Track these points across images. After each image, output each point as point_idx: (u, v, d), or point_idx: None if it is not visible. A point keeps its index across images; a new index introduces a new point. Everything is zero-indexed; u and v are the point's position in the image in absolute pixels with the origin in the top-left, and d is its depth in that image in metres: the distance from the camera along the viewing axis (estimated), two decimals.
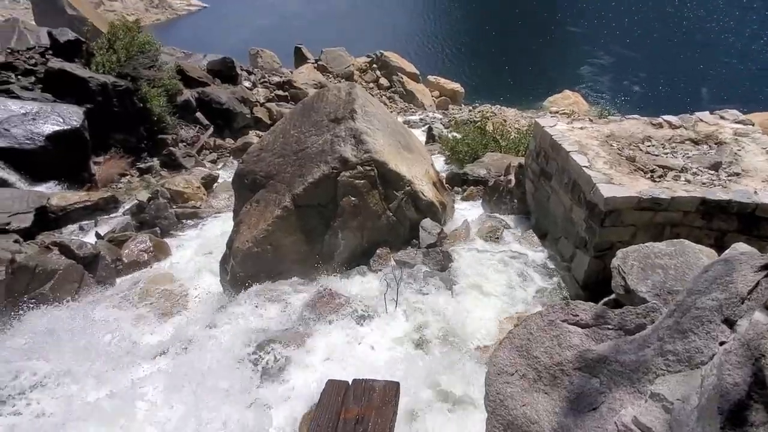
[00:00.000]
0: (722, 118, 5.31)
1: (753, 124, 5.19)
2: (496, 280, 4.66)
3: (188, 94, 11.95)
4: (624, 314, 2.03)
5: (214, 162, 11.13)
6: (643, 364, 1.81)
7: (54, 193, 8.03)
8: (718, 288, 1.72)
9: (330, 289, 4.65)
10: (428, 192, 5.51)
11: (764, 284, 1.59)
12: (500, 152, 8.52)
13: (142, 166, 9.97)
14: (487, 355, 3.83)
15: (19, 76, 9.80)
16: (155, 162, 10.16)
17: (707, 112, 5.42)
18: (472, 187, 7.12)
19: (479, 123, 11.23)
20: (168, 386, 3.68)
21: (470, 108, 17.93)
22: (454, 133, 11.14)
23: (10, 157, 8.06)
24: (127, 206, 8.20)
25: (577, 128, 5.10)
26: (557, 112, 13.79)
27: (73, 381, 3.78)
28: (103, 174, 9.23)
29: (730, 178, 4.19)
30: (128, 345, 4.34)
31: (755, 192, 3.89)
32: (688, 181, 4.13)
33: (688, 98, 20.59)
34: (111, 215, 8.02)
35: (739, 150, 4.62)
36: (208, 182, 9.20)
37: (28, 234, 6.83)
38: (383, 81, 18.95)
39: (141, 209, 7.55)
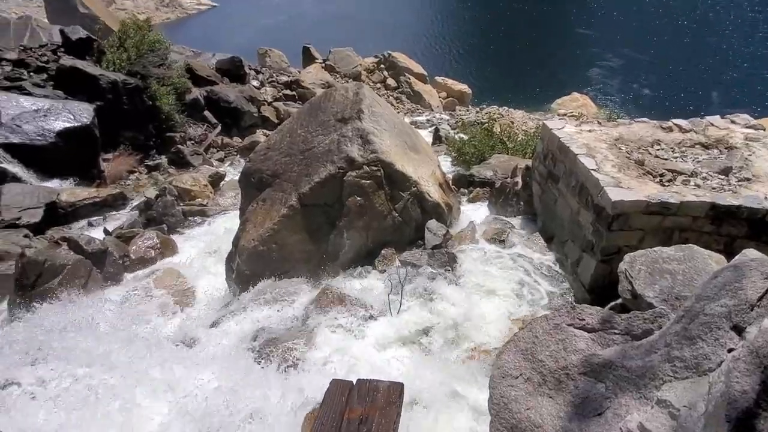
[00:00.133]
0: (733, 122, 5.25)
1: (765, 129, 5.13)
2: (502, 282, 4.64)
3: (197, 93, 12.05)
4: (631, 319, 2.02)
5: (221, 160, 11.21)
6: (649, 369, 1.79)
7: (64, 189, 8.14)
8: (728, 294, 1.70)
9: (334, 289, 4.66)
10: (434, 193, 5.50)
11: None
12: (507, 154, 8.49)
13: (150, 163, 10.06)
14: (491, 357, 3.82)
15: (32, 73, 9.94)
16: (163, 159, 10.25)
17: (718, 116, 5.36)
18: (478, 188, 7.10)
19: (486, 124, 11.20)
20: (170, 382, 3.70)
21: (477, 109, 17.89)
22: (461, 135, 11.12)
23: (22, 153, 8.18)
24: (135, 203, 8.29)
25: (586, 131, 5.06)
26: (565, 115, 13.71)
27: (80, 369, 3.82)
28: (112, 171, 9.33)
29: (740, 183, 4.14)
30: (132, 339, 4.36)
31: (766, 197, 3.84)
32: (698, 186, 4.08)
33: (699, 102, 20.38)
34: (119, 212, 8.12)
35: (750, 155, 4.56)
36: (215, 180, 9.27)
37: (37, 229, 6.93)
38: (390, 81, 18.95)
39: (149, 206, 7.62)
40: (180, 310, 5.40)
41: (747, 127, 5.13)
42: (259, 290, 4.89)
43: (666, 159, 4.54)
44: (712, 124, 5.17)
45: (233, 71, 13.84)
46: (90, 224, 7.66)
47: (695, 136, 4.99)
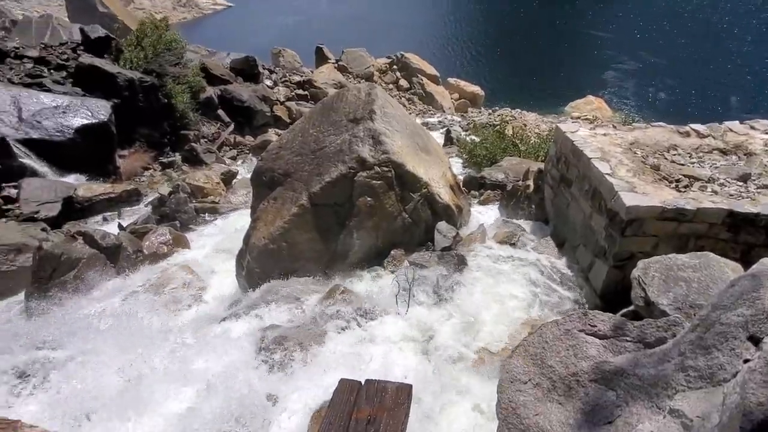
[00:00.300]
0: (752, 128, 5.13)
1: None
2: (511, 285, 4.60)
3: (211, 92, 12.19)
4: (644, 327, 1.98)
5: (233, 158, 11.33)
6: (662, 378, 1.76)
7: (80, 185, 8.30)
8: (745, 304, 1.67)
9: (343, 289, 4.67)
10: (445, 195, 5.48)
11: None
12: (519, 157, 8.42)
13: (164, 160, 10.21)
14: (499, 361, 3.79)
15: (52, 71, 10.17)
16: (177, 157, 10.39)
17: (737, 122, 5.25)
18: (489, 191, 7.06)
19: (498, 127, 11.13)
20: (178, 376, 3.74)
21: (490, 111, 17.80)
22: (473, 137, 11.07)
23: (41, 148, 8.37)
24: (149, 199, 8.42)
25: (600, 134, 5.00)
26: (579, 118, 13.56)
27: (92, 362, 3.90)
28: (127, 167, 9.49)
29: (759, 190, 4.05)
30: (143, 334, 4.42)
31: None
32: (715, 192, 4.00)
33: (717, 106, 19.98)
34: (133, 207, 8.26)
35: None
36: (228, 178, 9.36)
37: (55, 223, 7.09)
38: (403, 82, 18.95)
39: (162, 203, 7.73)
40: (190, 305, 5.46)
41: (767, 133, 5.01)
42: (269, 288, 4.92)
43: (683, 164, 4.46)
44: (731, 130, 5.07)
45: (247, 71, 13.98)
46: (105, 219, 7.80)
47: (713, 141, 4.89)
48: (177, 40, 11.77)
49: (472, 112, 17.97)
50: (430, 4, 40.33)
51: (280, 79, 15.43)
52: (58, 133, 8.58)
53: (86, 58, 10.23)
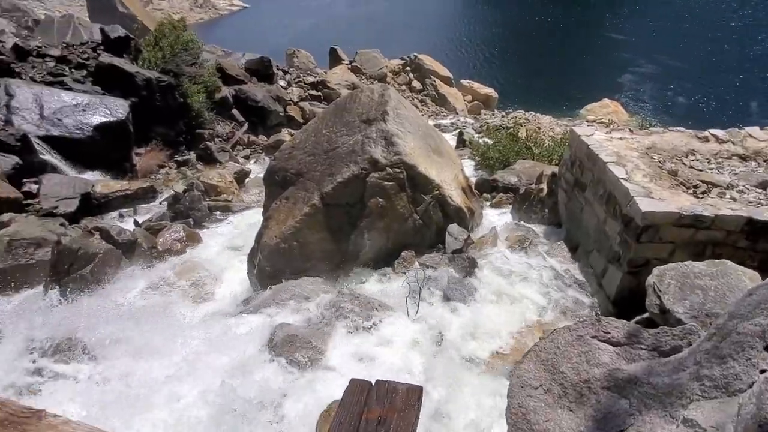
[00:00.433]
0: None
1: None
2: (522, 290, 4.57)
3: (226, 92, 12.35)
4: (659, 335, 1.95)
5: (247, 158, 11.44)
6: (676, 387, 1.73)
7: (98, 181, 8.48)
8: (762, 313, 1.63)
9: (353, 289, 4.69)
10: (456, 197, 5.47)
11: None
12: (532, 160, 8.35)
13: (179, 158, 10.36)
14: (509, 365, 3.76)
15: (73, 69, 10.40)
16: (192, 155, 10.54)
17: (757, 128, 5.13)
18: (501, 194, 7.01)
19: (512, 129, 11.05)
20: (188, 373, 3.79)
21: (503, 114, 17.67)
22: (486, 139, 11.01)
23: (61, 145, 8.57)
24: (163, 197, 8.55)
25: (616, 138, 4.93)
26: (594, 121, 13.40)
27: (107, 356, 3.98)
28: (143, 165, 9.65)
29: None
30: (154, 330, 4.49)
31: None
32: (734, 199, 3.92)
33: (737, 112, 19.53)
34: (149, 204, 8.40)
35: None
36: (241, 177, 9.46)
37: (73, 218, 7.24)
38: (416, 84, 18.94)
39: (176, 200, 7.84)
40: (202, 302, 5.54)
41: None
42: (280, 287, 4.96)
43: (701, 170, 4.38)
44: (751, 136, 4.96)
45: (262, 71, 14.12)
46: (121, 215, 7.95)
47: (732, 147, 4.79)
48: (194, 40, 11.95)
49: (485, 114, 17.87)
50: (444, 6, 40.26)
51: (294, 79, 15.56)
52: (77, 131, 8.78)
53: (106, 58, 10.44)
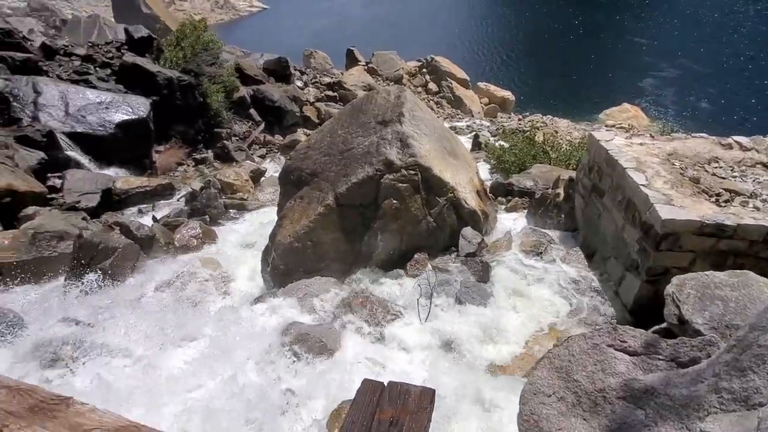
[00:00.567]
0: None
1: None
2: (536, 295, 4.52)
3: (244, 91, 12.52)
4: (678, 345, 1.91)
5: (262, 157, 11.58)
6: (694, 399, 1.69)
7: (119, 177, 8.68)
8: None
9: (365, 290, 4.70)
10: (471, 200, 5.44)
11: None
12: (549, 164, 8.25)
13: (197, 156, 10.54)
14: (520, 370, 3.72)
15: (97, 68, 10.69)
16: (209, 154, 10.71)
17: None
18: (517, 198, 6.94)
19: (528, 133, 10.93)
20: (202, 366, 3.85)
21: (520, 117, 17.50)
22: (501, 142, 10.92)
23: (85, 142, 8.80)
24: (181, 193, 8.71)
25: (636, 144, 4.84)
26: (614, 126, 13.16)
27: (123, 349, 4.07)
28: (162, 162, 9.85)
29: None
30: (166, 325, 4.57)
31: None
32: (757, 208, 3.81)
33: (762, 119, 18.95)
34: (167, 201, 8.56)
35: None
36: (256, 176, 9.58)
37: (94, 213, 7.43)
38: (432, 86, 18.91)
39: (193, 197, 7.98)
40: (216, 298, 5.62)
41: None
42: (292, 285, 5.00)
43: (724, 178, 4.27)
44: None
45: (279, 71, 14.29)
46: (140, 211, 8.13)
47: (757, 155, 4.66)
48: (214, 40, 12.15)
49: (501, 117, 17.72)
50: (462, 8, 40.09)
51: (311, 80, 15.69)
52: (100, 128, 9.01)
53: (129, 57, 10.70)
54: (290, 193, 5.76)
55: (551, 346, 2.36)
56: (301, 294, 4.81)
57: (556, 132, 12.68)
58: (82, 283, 5.10)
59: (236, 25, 37.82)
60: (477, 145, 11.20)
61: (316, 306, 4.64)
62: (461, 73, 19.38)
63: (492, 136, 12.68)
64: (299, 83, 14.93)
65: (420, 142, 5.25)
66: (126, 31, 12.23)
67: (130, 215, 7.84)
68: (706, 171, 4.38)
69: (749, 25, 30.84)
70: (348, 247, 5.22)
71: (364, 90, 15.20)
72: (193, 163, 10.41)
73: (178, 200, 8.50)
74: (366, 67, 18.87)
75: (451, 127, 12.93)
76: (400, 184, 5.02)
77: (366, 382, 1.35)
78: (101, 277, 5.25)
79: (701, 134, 5.19)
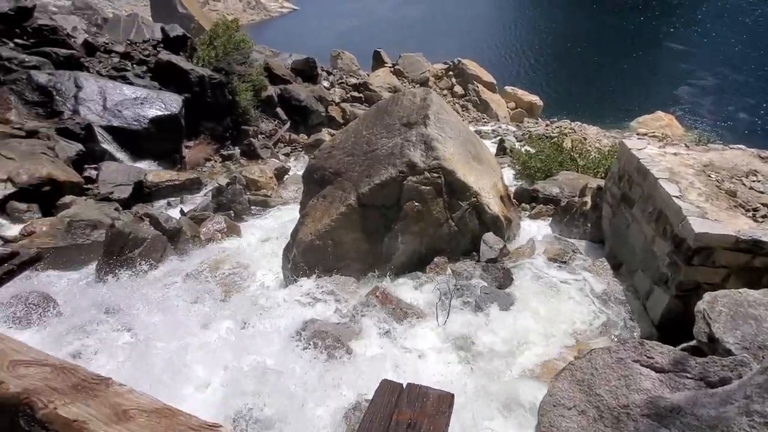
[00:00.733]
0: None
1: None
2: (558, 305, 4.42)
3: (272, 90, 12.76)
4: (708, 364, 1.84)
5: (287, 155, 11.77)
6: (723, 421, 1.62)
7: (150, 170, 8.99)
8: None
9: (384, 291, 4.70)
10: (494, 205, 5.37)
11: None
12: (577, 172, 8.06)
13: (224, 153, 10.81)
14: (539, 380, 3.64)
15: (134, 65, 11.11)
16: (236, 150, 10.96)
17: None
18: (541, 205, 6.81)
19: (556, 139, 10.72)
20: (219, 358, 3.93)
21: (547, 123, 17.16)
22: (527, 148, 10.75)
23: (120, 136, 9.17)
24: (208, 188, 8.95)
25: (670, 153, 4.68)
26: (646, 134, 12.74)
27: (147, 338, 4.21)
28: (191, 157, 10.15)
29: None
30: (190, 314, 4.69)
31: None
32: None
33: None
34: (194, 195, 8.81)
35: None
36: (280, 173, 9.74)
37: (126, 204, 7.73)
38: (458, 89, 18.78)
39: (220, 192, 8.18)
40: (236, 292, 5.73)
41: None
42: (312, 283, 5.06)
43: (762, 192, 4.08)
44: None
45: (307, 72, 14.49)
46: (169, 204, 8.39)
47: None
48: (245, 40, 12.43)
49: (528, 123, 17.43)
50: (491, 11, 39.68)
51: (337, 80, 15.84)
52: (135, 122, 9.36)
53: (164, 55, 11.07)
54: (313, 192, 5.82)
55: (572, 358, 2.31)
56: (321, 291, 4.86)
57: (585, 139, 12.38)
58: (113, 271, 5.31)
59: (267, 25, 38.59)
60: (502, 149, 11.05)
61: (335, 304, 4.67)
62: (488, 77, 19.17)
63: (518, 141, 12.49)
64: (326, 83, 15.10)
65: (444, 145, 5.23)
66: (162, 29, 12.67)
67: (159, 207, 8.11)
68: (744, 184, 4.19)
69: None
70: (368, 247, 5.24)
71: (389, 92, 15.24)
72: (221, 159, 10.67)
73: (204, 195, 8.73)
74: (392, 69, 18.91)
75: (476, 131, 12.80)
76: (423, 187, 5.01)
77: (385, 383, 1.35)
78: (131, 265, 5.45)
79: (739, 146, 4.97)
